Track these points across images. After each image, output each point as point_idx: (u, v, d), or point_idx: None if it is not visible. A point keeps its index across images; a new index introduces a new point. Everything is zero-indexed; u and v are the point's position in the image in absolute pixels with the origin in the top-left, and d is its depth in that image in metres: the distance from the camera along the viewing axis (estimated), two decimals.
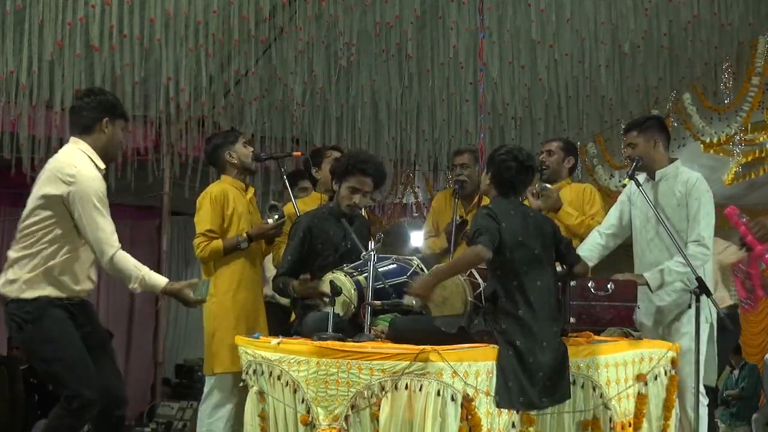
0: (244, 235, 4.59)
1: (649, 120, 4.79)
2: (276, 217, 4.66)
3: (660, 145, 4.67)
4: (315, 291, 4.01)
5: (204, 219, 4.59)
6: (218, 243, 4.55)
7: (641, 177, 4.70)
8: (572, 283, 4.01)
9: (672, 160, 4.69)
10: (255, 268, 4.76)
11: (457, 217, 4.94)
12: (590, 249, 4.70)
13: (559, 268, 3.99)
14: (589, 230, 4.88)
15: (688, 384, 4.30)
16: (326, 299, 3.89)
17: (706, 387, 4.42)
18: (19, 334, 3.84)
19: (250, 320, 4.62)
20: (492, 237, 3.56)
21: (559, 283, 3.88)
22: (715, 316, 4.44)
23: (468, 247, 3.67)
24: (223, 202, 4.61)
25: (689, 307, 4.24)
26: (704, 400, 4.41)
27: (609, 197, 5.68)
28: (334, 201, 4.35)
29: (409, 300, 3.74)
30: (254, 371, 3.82)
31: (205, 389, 4.65)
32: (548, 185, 5.13)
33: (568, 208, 5.01)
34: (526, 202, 4.92)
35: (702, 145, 7.61)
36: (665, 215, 4.48)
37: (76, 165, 3.79)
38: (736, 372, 9.30)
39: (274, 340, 3.77)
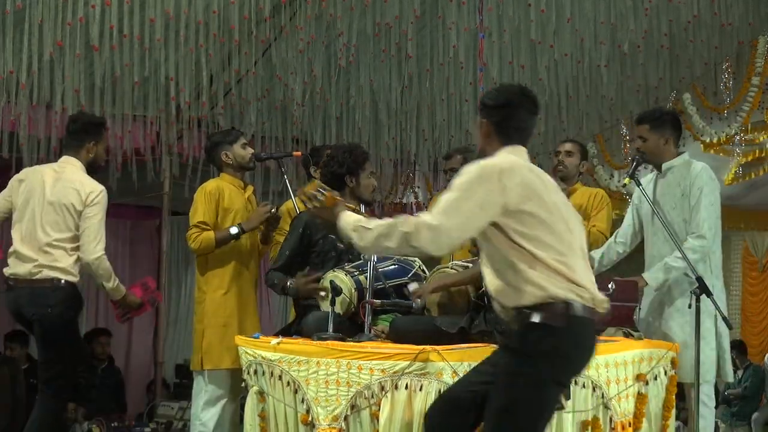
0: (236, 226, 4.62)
1: (665, 115, 4.68)
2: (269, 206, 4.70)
3: (671, 142, 4.58)
4: (316, 289, 4.00)
5: (197, 212, 4.63)
6: (210, 234, 4.58)
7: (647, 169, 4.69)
8: None
9: (679, 154, 4.63)
10: (248, 269, 4.77)
11: None
12: (600, 252, 4.77)
13: None
14: (590, 237, 4.84)
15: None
16: (323, 294, 3.89)
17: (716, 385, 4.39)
18: None
19: (240, 320, 4.65)
20: None
21: None
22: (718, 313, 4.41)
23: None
24: (217, 198, 4.65)
25: (689, 307, 4.23)
26: (709, 402, 4.39)
27: (610, 197, 5.67)
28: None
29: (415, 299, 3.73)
30: (254, 371, 3.82)
31: (194, 390, 4.68)
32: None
33: None
34: None
35: (702, 145, 7.59)
36: (670, 207, 4.45)
37: None
38: (740, 372, 9.29)
39: (274, 340, 3.78)
